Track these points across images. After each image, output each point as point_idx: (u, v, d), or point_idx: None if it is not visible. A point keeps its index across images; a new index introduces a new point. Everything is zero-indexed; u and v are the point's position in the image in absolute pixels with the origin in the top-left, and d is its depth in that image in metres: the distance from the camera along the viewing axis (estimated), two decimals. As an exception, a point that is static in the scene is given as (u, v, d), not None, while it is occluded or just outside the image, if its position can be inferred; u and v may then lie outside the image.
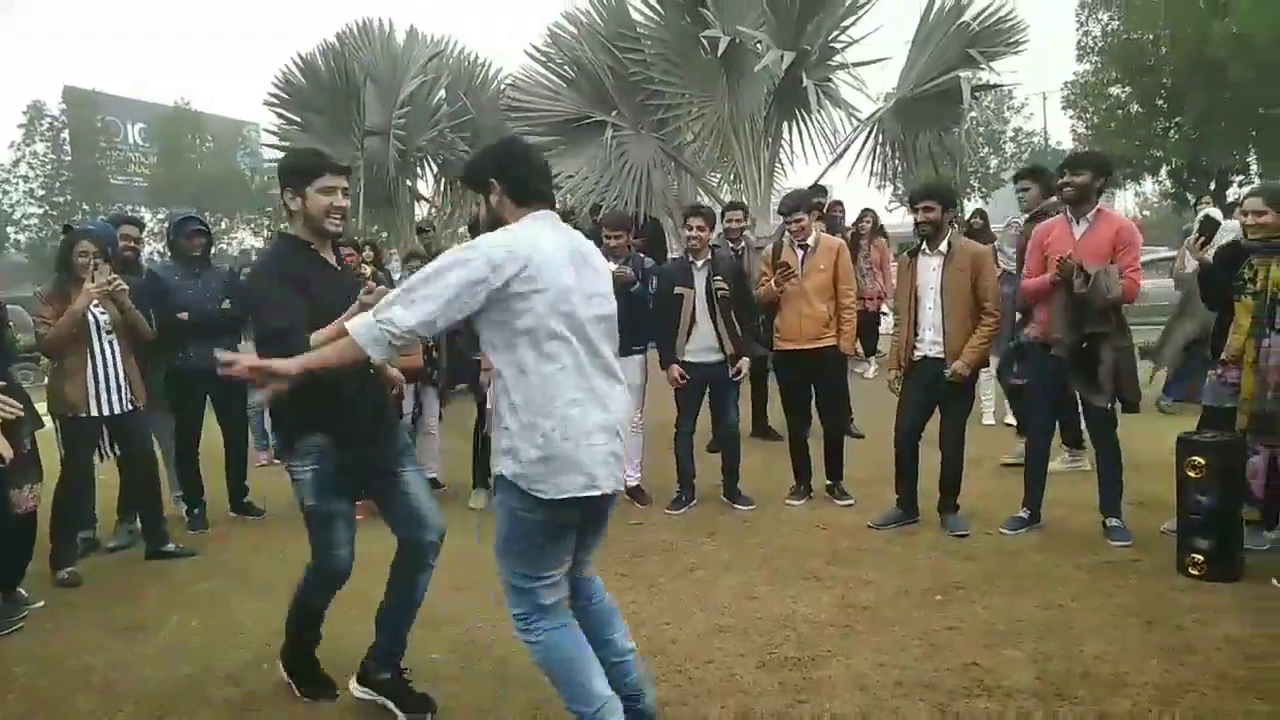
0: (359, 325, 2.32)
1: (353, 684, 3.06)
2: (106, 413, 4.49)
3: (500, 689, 3.13)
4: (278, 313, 2.73)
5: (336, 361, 2.39)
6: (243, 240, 34.49)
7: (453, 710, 2.99)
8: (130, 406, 4.58)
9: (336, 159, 3.00)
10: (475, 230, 2.65)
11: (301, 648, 3.13)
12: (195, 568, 4.63)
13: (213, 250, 5.56)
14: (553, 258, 2.36)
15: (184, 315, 5.15)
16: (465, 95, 11.93)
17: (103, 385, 4.47)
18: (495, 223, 2.48)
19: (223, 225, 34.07)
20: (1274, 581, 3.76)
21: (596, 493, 2.39)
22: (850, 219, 9.65)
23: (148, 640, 3.68)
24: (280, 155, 12.54)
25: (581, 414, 2.36)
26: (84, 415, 4.43)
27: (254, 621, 3.82)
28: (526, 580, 2.44)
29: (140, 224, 6.39)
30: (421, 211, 13.23)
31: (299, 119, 11.96)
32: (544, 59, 10.58)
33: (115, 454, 4.70)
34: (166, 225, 5.89)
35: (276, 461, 6.46)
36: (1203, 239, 4.80)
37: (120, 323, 4.57)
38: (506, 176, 2.47)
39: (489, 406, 4.19)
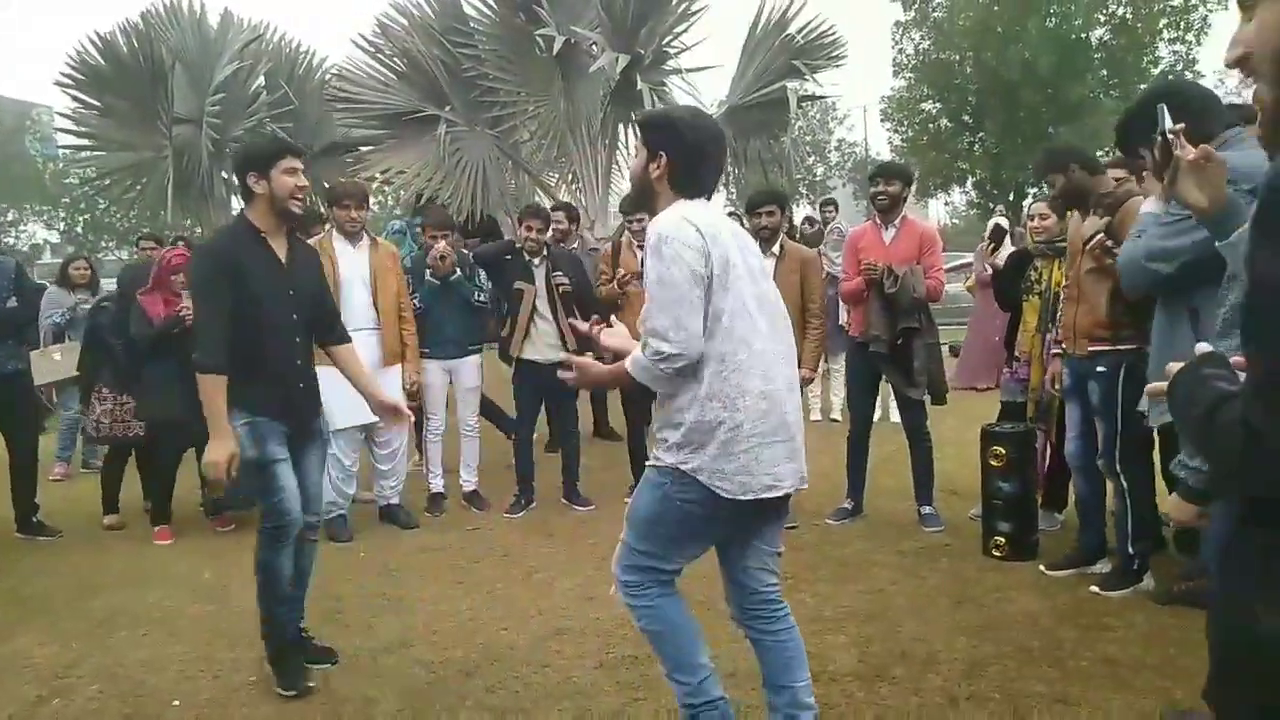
0: (635, 362, 2.33)
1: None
2: None
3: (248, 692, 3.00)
4: (203, 300, 2.99)
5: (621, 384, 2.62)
6: (34, 234, 31.25)
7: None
8: None
9: (292, 143, 3.25)
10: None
11: (277, 625, 3.06)
12: (-28, 598, 4.15)
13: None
14: (719, 238, 2.23)
15: (-40, 315, 4.60)
16: (286, 84, 11.29)
17: None
18: (644, 186, 2.38)
19: (10, 217, 30.79)
20: (1040, 568, 4.05)
21: (779, 493, 2.28)
22: None
23: (-89, 683, 3.25)
24: (76, 141, 11.57)
25: (770, 407, 2.22)
26: None
27: (42, 654, 3.46)
28: (656, 560, 2.35)
29: None
30: (238, 205, 12.47)
31: (98, 103, 10.94)
32: (372, 50, 10.19)
33: None
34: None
35: (85, 469, 5.89)
36: (993, 245, 5.21)
37: None
38: (680, 156, 2.31)
39: None
